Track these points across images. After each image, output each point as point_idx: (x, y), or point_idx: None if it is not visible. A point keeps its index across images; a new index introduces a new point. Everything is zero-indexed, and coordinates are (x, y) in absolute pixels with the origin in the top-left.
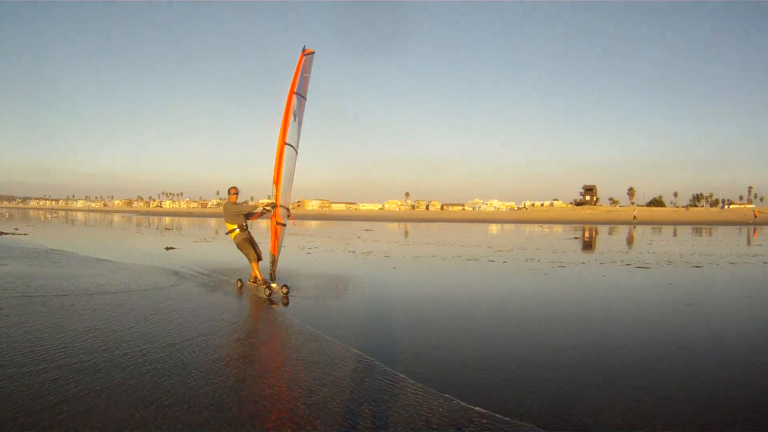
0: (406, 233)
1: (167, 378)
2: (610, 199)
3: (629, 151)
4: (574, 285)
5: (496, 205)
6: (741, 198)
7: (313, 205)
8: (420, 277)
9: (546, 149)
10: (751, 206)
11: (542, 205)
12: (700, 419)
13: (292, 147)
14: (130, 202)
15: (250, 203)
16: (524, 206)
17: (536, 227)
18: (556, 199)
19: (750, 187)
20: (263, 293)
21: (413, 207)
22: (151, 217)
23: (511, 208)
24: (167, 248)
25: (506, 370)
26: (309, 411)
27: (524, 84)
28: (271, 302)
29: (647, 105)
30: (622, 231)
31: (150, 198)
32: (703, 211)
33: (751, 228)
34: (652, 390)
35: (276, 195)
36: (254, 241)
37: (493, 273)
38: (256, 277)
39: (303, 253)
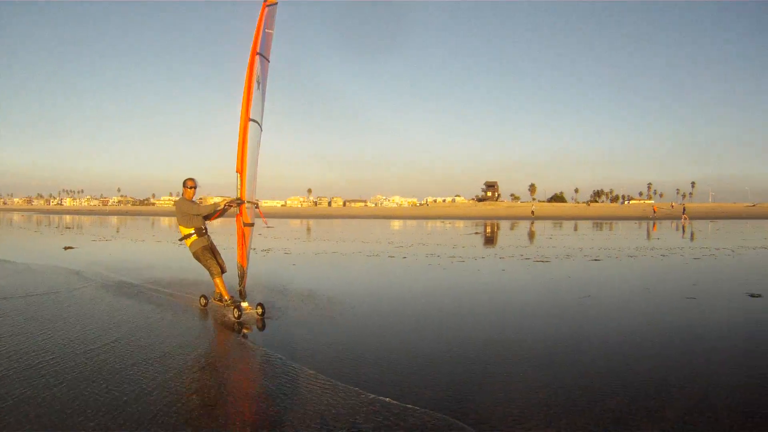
0: (308, 230)
1: (84, 387)
2: (512, 195)
3: (531, 148)
4: (473, 280)
5: (398, 201)
6: (641, 194)
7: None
8: (319, 274)
9: (448, 145)
10: (650, 202)
11: (444, 201)
12: (596, 409)
13: (257, 123)
14: (30, 200)
15: (210, 201)
16: (426, 202)
17: (438, 223)
18: (458, 195)
19: (649, 184)
20: (231, 315)
21: (316, 203)
22: (51, 216)
23: (413, 204)
24: (66, 248)
25: (404, 364)
26: (205, 411)
27: (427, 81)
28: (242, 327)
29: (549, 103)
30: (523, 226)
31: (50, 196)
32: (603, 207)
33: (651, 222)
34: (549, 382)
35: (241, 188)
36: (216, 249)
37: (393, 269)
38: (221, 296)
39: None
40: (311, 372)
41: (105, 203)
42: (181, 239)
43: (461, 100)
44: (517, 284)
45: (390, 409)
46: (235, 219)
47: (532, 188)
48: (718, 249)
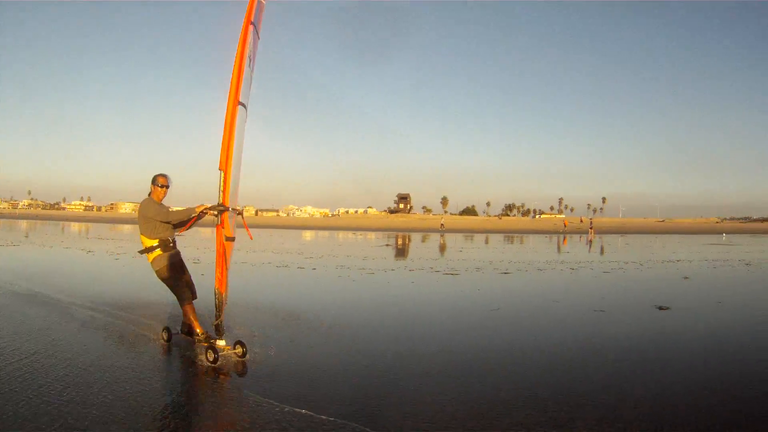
0: None
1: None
2: (424, 207)
3: (445, 161)
4: (383, 292)
5: (310, 211)
6: (552, 209)
7: (125, 209)
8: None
9: (361, 156)
10: (561, 216)
11: (356, 212)
12: (504, 421)
13: (245, 107)
14: None
15: (177, 207)
16: (338, 213)
17: (350, 234)
18: (371, 207)
19: (561, 199)
20: (204, 357)
21: None
22: None
23: (326, 215)
24: None
25: (312, 378)
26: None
27: (331, 88)
28: (218, 372)
29: (462, 116)
30: (434, 239)
31: None
32: (514, 220)
33: (561, 236)
34: (458, 395)
35: (224, 190)
36: (186, 268)
37: (302, 280)
38: (191, 327)
39: (111, 259)
40: (222, 382)
41: (14, 206)
42: (141, 252)
43: (374, 110)
44: (427, 297)
45: (304, 420)
46: (215, 231)
47: (444, 201)
48: (627, 263)
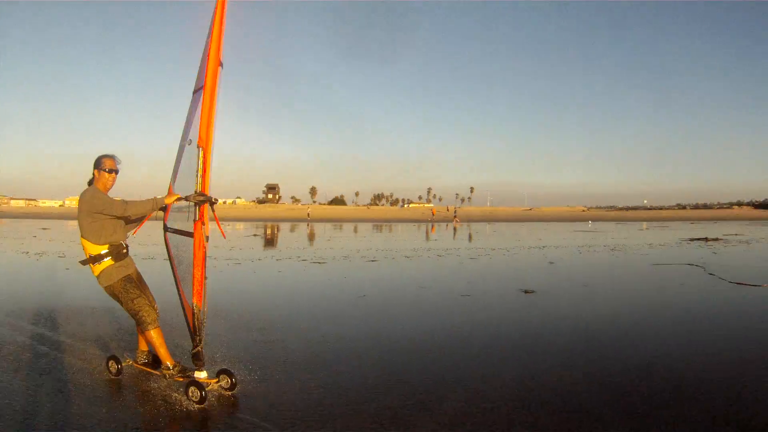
0: None
1: None
2: (292, 197)
3: (313, 151)
4: (249, 281)
5: None
6: (420, 198)
7: None
8: (80, 278)
9: (229, 146)
10: (429, 205)
11: (225, 202)
12: (372, 406)
13: (222, 67)
14: None
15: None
16: None
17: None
18: (239, 197)
19: (429, 188)
20: (189, 395)
21: None
22: None
23: None
24: None
25: None
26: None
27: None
28: (202, 409)
29: (330, 107)
30: (302, 228)
31: None
32: (383, 210)
33: (429, 225)
34: (325, 382)
35: (203, 173)
36: (144, 282)
37: (160, 272)
38: (152, 357)
39: None
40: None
41: None
42: (84, 262)
43: (240, 100)
44: (293, 286)
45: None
46: (193, 228)
47: (312, 191)
48: (494, 249)
